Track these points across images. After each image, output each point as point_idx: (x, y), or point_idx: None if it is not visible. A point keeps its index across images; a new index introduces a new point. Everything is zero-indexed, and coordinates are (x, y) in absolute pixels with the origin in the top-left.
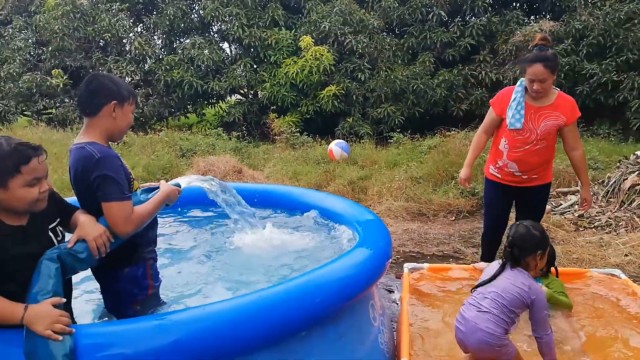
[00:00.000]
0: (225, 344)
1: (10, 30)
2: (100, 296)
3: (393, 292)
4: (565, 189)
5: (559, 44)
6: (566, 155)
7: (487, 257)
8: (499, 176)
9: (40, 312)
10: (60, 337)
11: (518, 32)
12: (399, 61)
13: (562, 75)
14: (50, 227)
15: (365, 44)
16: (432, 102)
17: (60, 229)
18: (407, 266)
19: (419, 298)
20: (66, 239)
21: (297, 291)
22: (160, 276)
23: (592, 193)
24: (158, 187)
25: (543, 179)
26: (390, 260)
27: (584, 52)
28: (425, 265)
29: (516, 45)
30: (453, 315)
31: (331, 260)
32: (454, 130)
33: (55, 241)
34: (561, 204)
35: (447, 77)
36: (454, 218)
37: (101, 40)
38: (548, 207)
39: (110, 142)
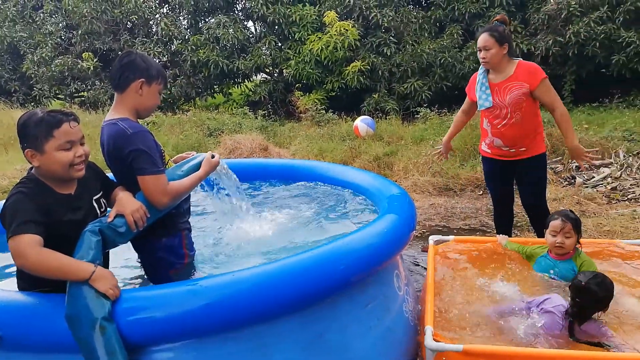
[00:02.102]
0: (252, 309)
1: (41, 15)
2: (138, 265)
3: (419, 265)
4: (598, 162)
5: (594, 11)
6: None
7: (503, 231)
8: (490, 152)
9: (105, 274)
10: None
11: (551, 0)
12: (426, 34)
13: (597, 44)
14: (94, 198)
15: (391, 18)
16: (460, 75)
17: (104, 201)
18: (432, 238)
19: (444, 269)
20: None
21: (321, 258)
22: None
23: (626, 165)
24: (193, 159)
25: (533, 150)
26: (415, 231)
27: (620, 19)
28: (451, 237)
29: (549, 14)
30: (478, 286)
31: (356, 229)
32: None
33: (98, 212)
34: (593, 177)
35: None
36: (481, 192)
37: (128, 23)
38: (579, 179)
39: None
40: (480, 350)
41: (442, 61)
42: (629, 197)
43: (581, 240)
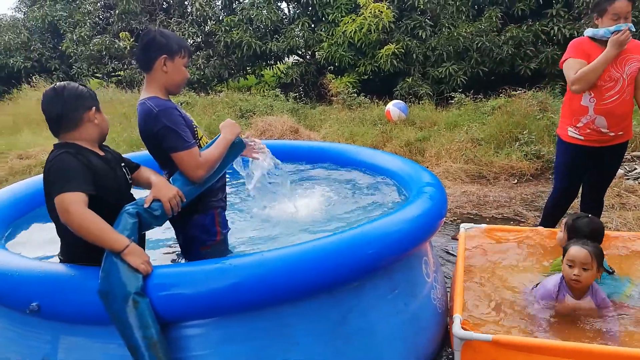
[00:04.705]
0: (279, 289)
1: None
2: (173, 242)
3: (449, 252)
4: None
5: None
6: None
7: (550, 223)
8: (581, 138)
9: (138, 250)
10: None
11: None
12: (463, 17)
13: None
14: (121, 164)
15: (427, 0)
16: (497, 60)
17: (127, 171)
18: (463, 226)
19: (475, 257)
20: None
21: (350, 242)
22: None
23: None
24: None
25: (627, 134)
26: (445, 218)
27: None
28: (483, 225)
29: None
30: (509, 276)
31: (385, 213)
32: (521, 90)
33: (128, 178)
34: (636, 169)
35: (516, 34)
36: (516, 181)
37: (164, 3)
38: (621, 171)
39: (170, 97)
40: (510, 341)
41: (479, 45)
42: None
43: (621, 233)
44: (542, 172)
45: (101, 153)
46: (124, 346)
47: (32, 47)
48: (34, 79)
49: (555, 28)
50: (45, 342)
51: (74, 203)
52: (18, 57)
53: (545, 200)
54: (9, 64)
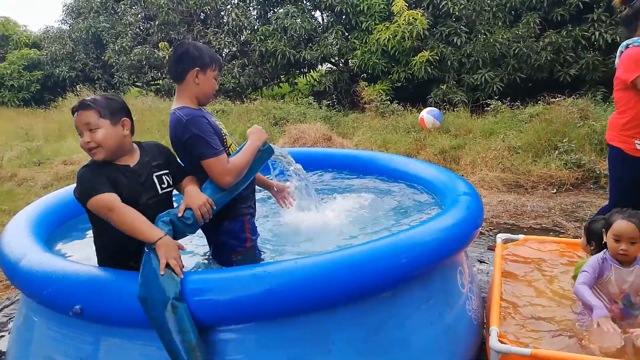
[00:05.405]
0: (313, 296)
1: (122, 6)
2: (204, 247)
3: (484, 263)
4: None
5: None
6: None
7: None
8: None
9: (169, 243)
10: (174, 274)
11: None
12: (500, 23)
13: None
14: (155, 174)
15: (462, 6)
16: (535, 66)
17: (168, 178)
18: (500, 237)
19: (512, 269)
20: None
21: (384, 250)
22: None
23: None
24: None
25: None
26: (480, 229)
27: None
28: (520, 236)
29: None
30: (547, 289)
31: (420, 222)
32: (560, 97)
33: (158, 187)
34: None
35: (555, 39)
36: (555, 191)
37: (202, 13)
38: None
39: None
40: (549, 356)
41: (516, 51)
42: None
43: None
44: (582, 181)
45: (123, 162)
46: (163, 349)
47: (76, 58)
48: (78, 88)
49: (597, 33)
50: (87, 343)
51: (112, 198)
52: (63, 67)
53: (592, 214)
54: (55, 74)
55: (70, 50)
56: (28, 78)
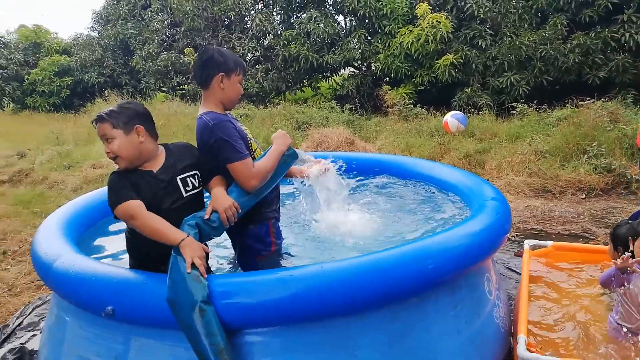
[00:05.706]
0: (338, 301)
1: (149, 13)
2: (229, 250)
3: (511, 269)
4: None
5: None
6: None
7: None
8: None
9: (194, 244)
10: (201, 277)
11: None
12: (526, 25)
13: None
14: (179, 177)
15: (487, 8)
16: (563, 69)
17: (193, 180)
18: (527, 242)
19: (540, 276)
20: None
21: (410, 255)
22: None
23: None
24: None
25: None
26: (508, 234)
27: None
28: (549, 242)
29: None
30: (576, 297)
31: (447, 228)
32: (589, 100)
33: (182, 190)
34: None
35: (583, 41)
36: (584, 196)
37: (226, 19)
38: None
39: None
40: None
41: (542, 54)
42: None
43: None
44: (613, 186)
45: (147, 168)
46: (191, 349)
47: (105, 64)
48: (107, 93)
49: (627, 34)
50: (118, 342)
51: (136, 206)
52: (92, 73)
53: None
54: (84, 80)
55: (99, 57)
56: (58, 84)
